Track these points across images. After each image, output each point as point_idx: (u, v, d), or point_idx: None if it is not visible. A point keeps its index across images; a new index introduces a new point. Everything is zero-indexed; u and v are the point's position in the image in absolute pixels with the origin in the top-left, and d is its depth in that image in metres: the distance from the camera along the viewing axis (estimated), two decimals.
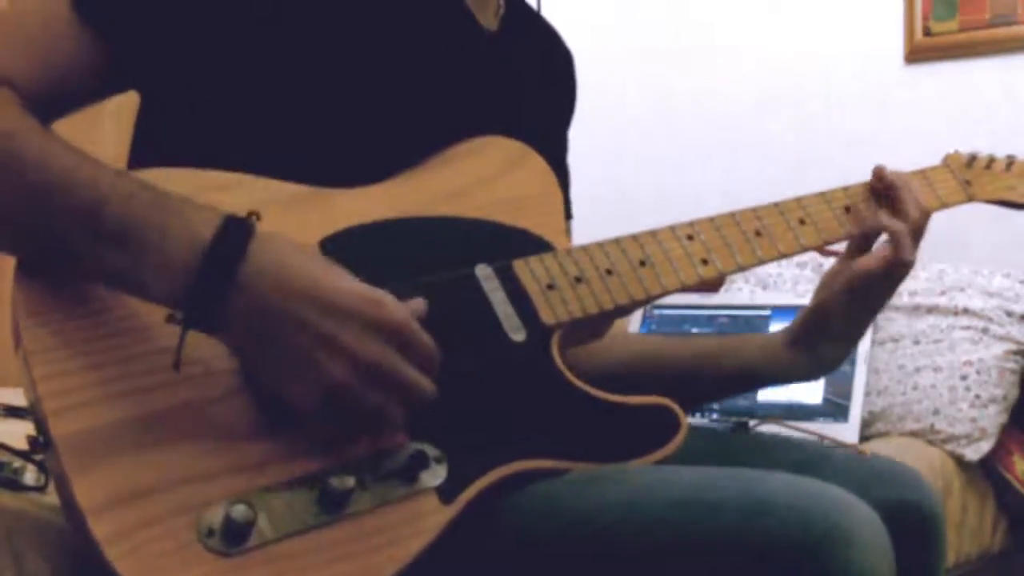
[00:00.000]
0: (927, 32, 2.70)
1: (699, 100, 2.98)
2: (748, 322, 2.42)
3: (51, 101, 0.93)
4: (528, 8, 1.29)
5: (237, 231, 0.84)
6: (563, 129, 1.33)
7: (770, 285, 2.56)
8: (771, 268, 2.55)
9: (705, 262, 1.10)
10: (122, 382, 0.85)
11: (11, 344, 0.88)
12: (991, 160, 1.31)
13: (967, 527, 2.14)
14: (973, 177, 1.29)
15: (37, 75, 0.93)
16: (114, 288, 0.87)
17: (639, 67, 3.06)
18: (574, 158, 1.33)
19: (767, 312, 2.40)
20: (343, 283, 0.85)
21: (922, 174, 1.26)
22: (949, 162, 1.29)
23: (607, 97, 3.06)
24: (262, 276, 0.83)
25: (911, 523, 1.04)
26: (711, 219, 1.13)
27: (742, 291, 2.56)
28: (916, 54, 2.71)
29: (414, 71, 1.08)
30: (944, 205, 1.25)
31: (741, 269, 1.12)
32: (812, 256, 2.48)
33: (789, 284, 2.53)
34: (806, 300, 1.22)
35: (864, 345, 2.26)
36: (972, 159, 1.30)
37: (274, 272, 0.83)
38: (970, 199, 1.28)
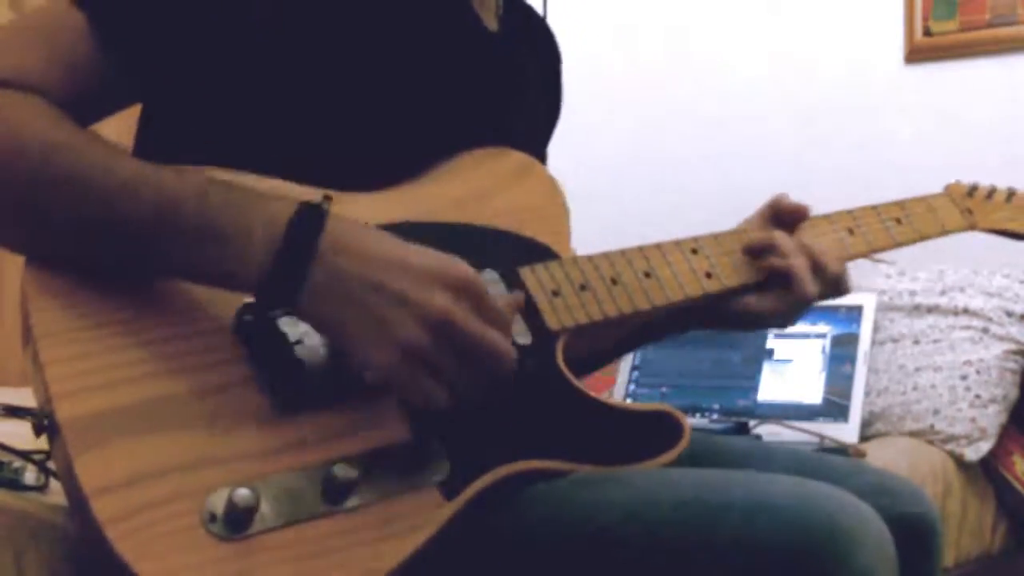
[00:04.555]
0: (927, 32, 2.70)
1: (699, 101, 2.98)
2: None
3: (75, 110, 0.93)
4: (523, 5, 1.30)
5: (313, 213, 0.87)
6: (552, 126, 1.35)
7: None
8: None
9: (709, 275, 1.11)
10: (130, 368, 0.85)
11: (11, 345, 0.88)
12: (992, 191, 1.36)
13: (967, 527, 2.14)
14: (974, 206, 1.33)
15: (64, 83, 0.93)
16: (191, 280, 0.89)
17: (638, 67, 3.06)
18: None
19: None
20: (414, 249, 0.89)
21: (924, 202, 1.29)
22: (950, 191, 1.34)
23: (606, 99, 3.07)
24: (338, 250, 0.86)
25: (910, 537, 1.04)
26: (715, 235, 1.14)
27: None
28: (916, 54, 2.71)
29: (422, 73, 1.08)
30: (946, 232, 1.30)
31: (745, 286, 1.13)
32: None
33: None
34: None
35: (864, 345, 2.26)
36: (973, 189, 1.35)
37: (349, 245, 0.87)
38: (971, 227, 1.33)
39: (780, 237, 1.15)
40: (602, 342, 1.24)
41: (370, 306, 0.85)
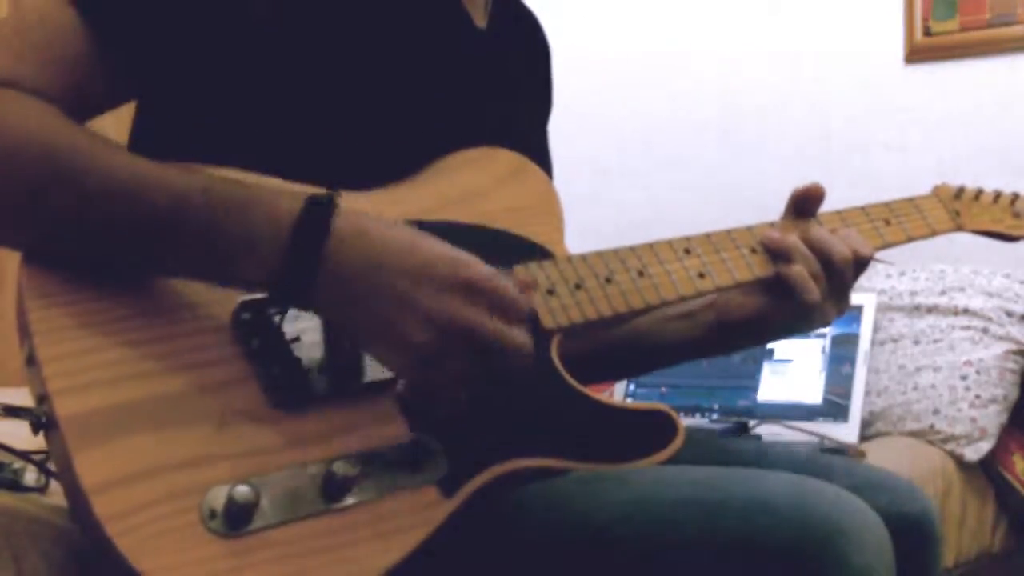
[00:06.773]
0: (927, 32, 2.70)
1: (698, 101, 2.98)
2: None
3: (70, 107, 0.92)
4: (514, 1, 1.30)
5: (319, 209, 0.87)
6: (546, 121, 1.35)
7: None
8: None
9: (702, 275, 1.11)
10: (129, 365, 0.86)
11: (11, 344, 0.88)
12: (979, 193, 1.36)
13: (967, 527, 2.14)
14: (962, 208, 1.33)
15: (59, 82, 0.92)
16: (198, 280, 0.89)
17: (637, 68, 3.06)
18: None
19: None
20: (424, 246, 0.87)
21: (913, 203, 1.30)
22: (938, 193, 1.34)
23: (604, 99, 3.07)
24: (345, 248, 0.86)
25: (910, 536, 1.04)
26: (707, 235, 1.14)
27: None
28: (916, 54, 2.71)
29: (412, 73, 1.08)
30: (934, 233, 1.30)
31: (738, 285, 1.14)
32: None
33: None
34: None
35: (864, 345, 2.26)
36: (960, 191, 1.35)
37: (355, 243, 0.86)
38: (959, 228, 1.33)
39: (791, 242, 1.14)
40: (604, 358, 1.24)
41: (376, 310, 0.85)
